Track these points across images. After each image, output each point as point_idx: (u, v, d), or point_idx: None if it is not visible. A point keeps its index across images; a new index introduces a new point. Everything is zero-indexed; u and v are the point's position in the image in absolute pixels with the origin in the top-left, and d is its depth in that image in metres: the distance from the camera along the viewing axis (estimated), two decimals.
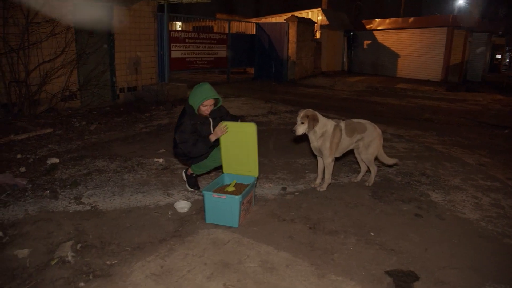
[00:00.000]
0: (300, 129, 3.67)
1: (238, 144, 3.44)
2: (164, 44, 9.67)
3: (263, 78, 14.65)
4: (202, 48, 12.02)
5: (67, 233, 2.93)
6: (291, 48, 14.30)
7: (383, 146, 4.13)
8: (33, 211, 3.27)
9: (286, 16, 15.15)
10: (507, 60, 30.27)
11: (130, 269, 2.51)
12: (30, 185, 3.80)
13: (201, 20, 15.73)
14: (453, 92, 13.54)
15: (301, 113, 3.68)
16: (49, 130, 5.73)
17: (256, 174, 3.50)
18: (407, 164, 4.90)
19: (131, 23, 8.24)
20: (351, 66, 19.98)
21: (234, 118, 3.70)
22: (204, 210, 3.18)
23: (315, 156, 4.18)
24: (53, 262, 2.55)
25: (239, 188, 3.39)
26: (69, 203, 3.46)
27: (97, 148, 5.11)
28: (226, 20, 13.97)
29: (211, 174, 4.27)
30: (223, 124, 3.41)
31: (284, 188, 3.99)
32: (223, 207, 3.05)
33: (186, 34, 11.58)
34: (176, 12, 15.75)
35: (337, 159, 4.18)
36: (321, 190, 3.93)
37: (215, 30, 15.20)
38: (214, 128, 3.53)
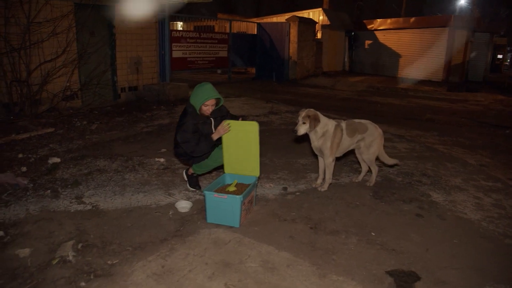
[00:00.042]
0: (302, 129, 3.67)
1: (240, 143, 3.44)
2: (165, 44, 9.67)
3: (264, 78, 14.64)
4: (203, 48, 12.03)
5: (68, 233, 2.94)
6: (292, 48, 14.29)
7: (384, 146, 4.13)
8: (35, 211, 3.27)
9: (287, 16, 15.15)
10: (509, 60, 30.23)
11: (131, 268, 2.52)
12: (31, 185, 3.80)
13: (202, 20, 15.74)
14: (454, 92, 13.52)
15: (303, 113, 3.68)
16: (50, 130, 5.74)
17: (257, 174, 3.50)
18: (408, 164, 4.90)
19: (132, 23, 8.24)
20: (352, 66, 19.97)
21: (235, 118, 3.71)
22: (205, 210, 3.18)
23: (316, 156, 4.18)
24: (54, 262, 2.56)
25: (240, 188, 3.39)
26: (70, 202, 3.47)
27: (98, 148, 5.11)
28: (227, 20, 13.98)
29: (212, 174, 4.27)
30: (226, 122, 3.41)
31: (285, 188, 3.99)
32: (224, 207, 3.05)
33: (187, 34, 11.58)
34: (177, 11, 15.76)
35: (338, 159, 4.18)
36: (322, 190, 3.92)
37: (216, 30, 15.22)
38: (215, 128, 3.54)
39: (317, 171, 4.26)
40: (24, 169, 4.22)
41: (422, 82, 15.74)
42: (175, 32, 11.04)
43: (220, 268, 2.54)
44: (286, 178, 4.28)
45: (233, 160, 3.55)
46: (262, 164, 3.78)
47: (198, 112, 3.45)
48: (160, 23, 9.24)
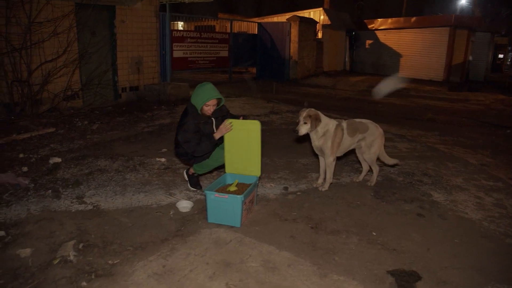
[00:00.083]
0: (303, 129, 3.66)
1: (242, 142, 3.44)
2: (166, 44, 9.68)
3: (265, 77, 14.63)
4: (204, 47, 12.02)
5: (69, 233, 2.94)
6: (293, 47, 14.29)
7: (385, 146, 4.13)
8: (36, 211, 3.27)
9: (288, 15, 15.14)
10: (510, 60, 30.18)
11: (132, 268, 2.52)
12: (32, 185, 3.81)
13: (203, 19, 15.74)
14: (455, 92, 13.52)
15: (304, 113, 3.67)
16: (51, 130, 5.75)
17: (258, 173, 3.50)
18: (409, 164, 4.89)
19: (133, 23, 8.25)
20: (353, 66, 19.96)
21: (235, 118, 3.70)
22: (206, 210, 3.18)
23: (316, 156, 4.18)
24: (55, 262, 2.56)
25: (241, 188, 3.39)
26: (71, 202, 3.47)
27: (99, 148, 5.12)
28: (228, 20, 13.98)
29: (213, 174, 4.27)
30: (228, 121, 3.41)
31: (286, 188, 3.98)
32: (225, 206, 3.05)
33: (188, 34, 11.58)
34: (178, 11, 15.78)
35: (338, 159, 4.17)
36: (323, 189, 3.92)
37: (217, 30, 15.21)
38: (216, 127, 3.54)
39: (318, 171, 4.26)
40: (25, 169, 4.23)
41: (423, 82, 15.73)
42: (176, 32, 11.04)
43: (221, 268, 2.54)
44: (287, 178, 4.28)
45: (235, 160, 3.54)
46: (263, 164, 3.78)
47: (199, 112, 3.44)
48: (161, 23, 9.24)
